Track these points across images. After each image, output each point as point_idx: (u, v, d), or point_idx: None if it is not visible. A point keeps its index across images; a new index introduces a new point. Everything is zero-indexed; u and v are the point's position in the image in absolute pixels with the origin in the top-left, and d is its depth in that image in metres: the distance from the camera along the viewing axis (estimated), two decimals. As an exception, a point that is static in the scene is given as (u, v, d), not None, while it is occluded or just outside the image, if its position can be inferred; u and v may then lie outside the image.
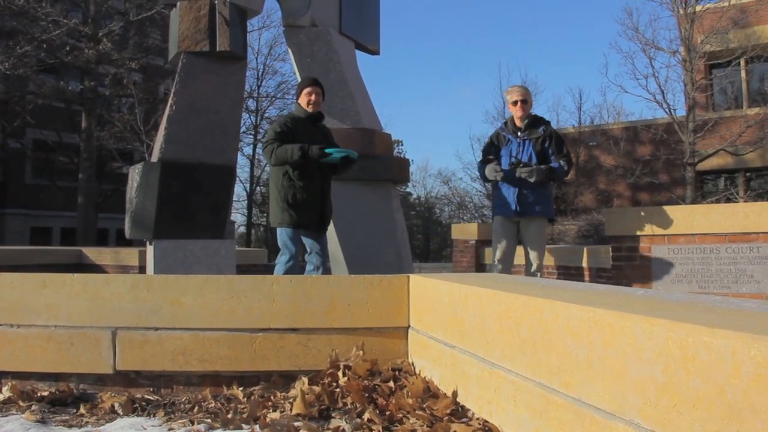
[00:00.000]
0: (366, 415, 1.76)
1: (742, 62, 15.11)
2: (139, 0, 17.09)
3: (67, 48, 16.60)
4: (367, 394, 1.93)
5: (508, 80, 23.77)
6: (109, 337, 2.20)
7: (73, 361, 2.21)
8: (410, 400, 1.82)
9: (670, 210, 4.80)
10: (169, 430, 1.82)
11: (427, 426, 1.65)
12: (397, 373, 2.10)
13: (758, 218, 4.34)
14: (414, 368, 2.14)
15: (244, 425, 1.80)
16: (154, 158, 4.91)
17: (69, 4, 17.66)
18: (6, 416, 1.92)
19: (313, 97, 4.20)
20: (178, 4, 5.05)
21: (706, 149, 14.92)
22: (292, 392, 2.05)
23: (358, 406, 1.87)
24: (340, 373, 2.06)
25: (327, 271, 4.37)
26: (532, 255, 4.62)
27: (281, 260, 4.15)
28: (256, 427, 1.76)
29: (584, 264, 5.83)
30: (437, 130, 62.84)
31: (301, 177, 4.07)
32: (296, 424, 1.74)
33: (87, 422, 1.91)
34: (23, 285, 2.25)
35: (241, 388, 2.14)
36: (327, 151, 4.03)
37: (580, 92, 36.71)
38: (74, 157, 18.69)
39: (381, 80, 58.02)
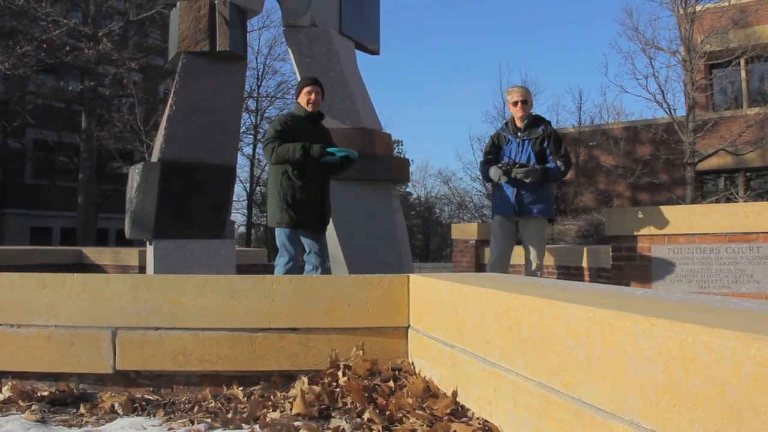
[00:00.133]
0: (366, 415, 1.76)
1: (742, 62, 15.11)
2: (139, 0, 17.09)
3: (67, 48, 16.60)
4: (367, 394, 1.93)
5: (509, 80, 23.80)
6: (109, 337, 2.20)
7: (73, 361, 2.21)
8: (410, 400, 1.82)
9: (670, 210, 4.80)
10: (169, 429, 1.82)
11: (427, 426, 1.65)
12: (397, 372, 2.10)
13: (758, 218, 4.34)
14: (414, 368, 2.14)
15: (244, 425, 1.80)
16: (154, 158, 4.91)
17: (69, 4, 17.66)
18: (6, 416, 1.92)
19: (312, 97, 4.19)
20: (178, 4, 5.04)
21: (706, 149, 14.92)
22: (292, 392, 2.05)
23: (358, 405, 1.87)
24: (340, 373, 2.06)
25: (326, 271, 4.36)
26: (532, 255, 4.62)
27: (280, 262, 4.12)
28: (256, 426, 1.76)
29: (584, 264, 5.83)
30: (437, 130, 62.92)
31: (300, 177, 4.05)
32: (296, 423, 1.74)
33: (87, 422, 1.91)
34: (23, 285, 2.25)
35: (241, 388, 2.14)
36: (328, 150, 4.02)
37: (580, 92, 36.80)
38: (74, 157, 18.69)
39: (381, 80, 58.08)
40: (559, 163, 4.52)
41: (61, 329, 2.21)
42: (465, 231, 8.10)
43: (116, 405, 2.03)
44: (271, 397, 2.05)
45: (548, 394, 1.33)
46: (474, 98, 61.17)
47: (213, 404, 2.05)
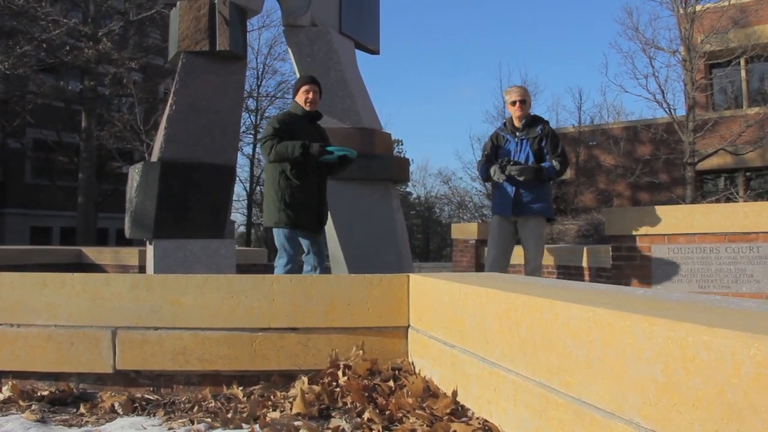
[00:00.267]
0: (366, 415, 1.76)
1: (742, 62, 15.10)
2: (139, 0, 17.09)
3: (67, 48, 16.60)
4: (366, 394, 1.93)
5: (509, 80, 23.80)
6: (109, 337, 2.20)
7: (73, 361, 2.21)
8: (410, 400, 1.82)
9: (670, 210, 4.80)
10: (169, 429, 1.82)
11: (426, 425, 1.65)
12: (396, 372, 2.10)
13: (758, 218, 4.34)
14: (414, 368, 2.14)
15: (244, 425, 1.80)
16: (154, 158, 4.90)
17: (69, 4, 17.67)
18: (6, 416, 1.92)
19: (310, 96, 4.16)
20: (178, 3, 5.04)
21: (706, 149, 14.92)
22: (292, 391, 2.05)
23: (357, 405, 1.87)
24: (339, 373, 2.06)
25: (325, 271, 4.35)
26: (531, 254, 4.62)
27: (279, 263, 4.09)
28: (256, 426, 1.76)
29: (584, 264, 5.83)
30: (437, 130, 62.92)
31: (298, 176, 4.02)
32: (296, 423, 1.74)
33: (87, 422, 1.91)
34: (23, 285, 2.25)
35: (241, 388, 2.14)
36: (328, 149, 4.00)
37: (580, 92, 36.82)
38: (74, 157, 18.69)
39: (381, 80, 58.09)
40: (554, 162, 4.53)
41: (61, 329, 2.21)
42: (465, 231, 8.11)
43: (116, 405, 2.03)
44: (271, 396, 2.05)
45: (548, 393, 1.33)
46: (474, 98, 61.21)
47: (213, 404, 2.05)
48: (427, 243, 33.83)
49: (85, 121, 17.43)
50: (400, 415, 1.75)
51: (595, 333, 1.18)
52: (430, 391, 1.90)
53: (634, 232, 4.72)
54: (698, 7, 14.44)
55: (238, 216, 27.36)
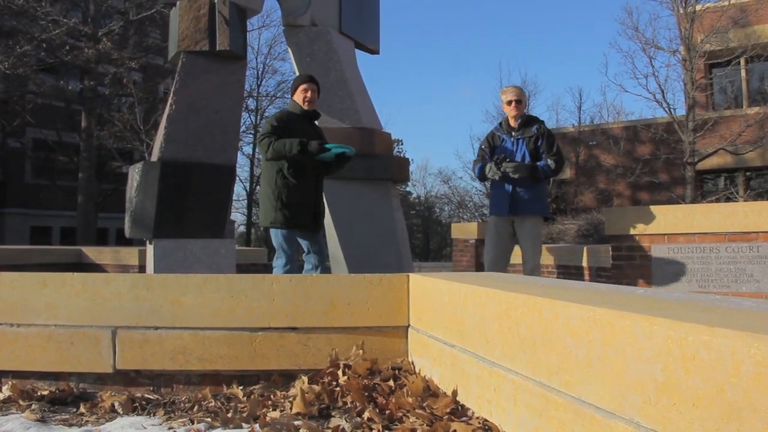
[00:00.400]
0: (366, 414, 1.76)
1: (742, 61, 15.10)
2: (139, 0, 17.09)
3: (67, 47, 16.59)
4: (366, 393, 1.93)
5: (509, 80, 23.77)
6: (109, 337, 2.20)
7: (73, 361, 2.21)
8: (410, 399, 1.82)
9: (670, 209, 4.80)
10: (169, 429, 1.82)
11: (426, 425, 1.65)
12: (396, 372, 2.10)
13: (758, 217, 4.34)
14: (414, 367, 2.14)
15: (244, 424, 1.80)
16: (154, 157, 4.90)
17: (69, 4, 17.66)
18: (6, 415, 1.92)
19: (309, 95, 4.14)
20: (178, 3, 5.04)
21: (705, 148, 14.92)
22: (292, 391, 2.05)
23: (357, 405, 1.87)
24: (339, 372, 2.06)
25: (325, 270, 4.34)
26: (528, 253, 4.62)
27: (278, 264, 4.07)
28: (256, 426, 1.76)
29: (584, 263, 5.83)
30: (437, 130, 62.90)
31: (295, 175, 4.00)
32: (296, 423, 1.74)
33: (87, 421, 1.91)
34: (23, 284, 2.25)
35: (241, 387, 2.14)
36: (326, 146, 3.99)
37: (579, 92, 36.63)
38: (74, 157, 18.68)
39: (381, 80, 58.06)
40: (549, 161, 4.54)
41: (61, 329, 2.21)
42: (465, 230, 8.10)
43: (116, 404, 2.03)
44: (271, 396, 2.05)
45: (548, 393, 1.33)
46: (474, 98, 61.21)
47: (213, 403, 2.05)
48: (427, 243, 33.83)
49: (85, 121, 17.42)
50: (400, 414, 1.75)
51: (595, 332, 1.18)
52: (430, 391, 1.90)
53: (634, 232, 4.72)
54: (698, 7, 14.44)
55: (238, 216, 27.39)
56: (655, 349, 1.03)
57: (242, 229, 27.97)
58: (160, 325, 2.20)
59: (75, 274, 2.28)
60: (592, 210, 11.73)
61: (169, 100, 5.00)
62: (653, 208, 4.81)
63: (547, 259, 6.29)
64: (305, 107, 4.16)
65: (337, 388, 1.99)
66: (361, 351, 2.14)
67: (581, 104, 21.33)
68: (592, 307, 1.21)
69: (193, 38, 4.96)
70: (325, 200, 5.18)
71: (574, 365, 1.24)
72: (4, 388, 2.12)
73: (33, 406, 1.99)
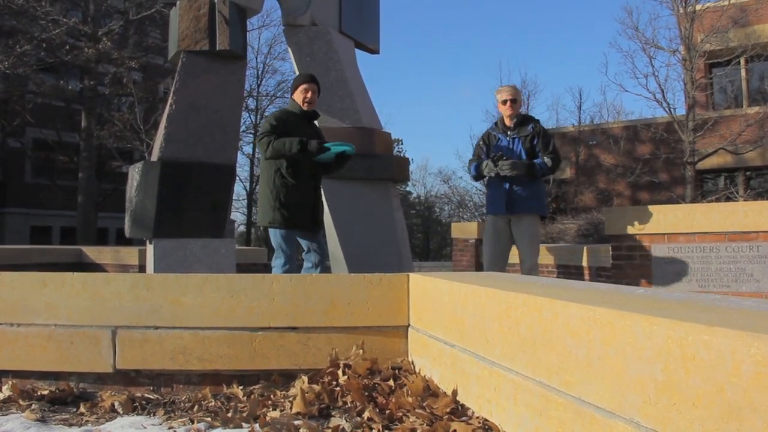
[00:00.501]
0: (366, 414, 1.76)
1: (742, 61, 15.10)
2: (139, -1, 17.10)
3: (67, 47, 16.58)
4: (366, 393, 1.93)
5: (509, 79, 23.76)
6: (109, 336, 2.20)
7: (73, 360, 2.21)
8: (410, 399, 1.82)
9: (670, 209, 4.80)
10: (169, 428, 1.82)
11: (426, 425, 1.65)
12: (396, 371, 2.10)
13: (758, 217, 4.34)
14: (414, 367, 2.14)
15: (244, 424, 1.80)
16: (154, 157, 4.90)
17: (68, 3, 17.66)
18: (6, 415, 1.92)
19: (309, 95, 4.12)
20: (178, 3, 5.04)
21: (705, 148, 14.92)
22: (292, 391, 2.05)
23: (358, 404, 1.87)
24: (339, 372, 2.06)
25: (325, 269, 4.34)
26: (526, 253, 4.62)
27: (277, 263, 4.06)
28: (256, 425, 1.76)
29: (584, 263, 5.83)
30: (437, 130, 62.88)
31: (294, 175, 4.00)
32: (296, 422, 1.74)
33: (87, 421, 1.91)
34: (23, 284, 2.25)
35: (240, 387, 2.14)
36: (326, 145, 3.98)
37: (580, 91, 36.69)
38: (74, 156, 18.68)
39: (381, 79, 58.04)
40: (546, 159, 4.55)
41: (61, 328, 2.21)
42: (465, 230, 8.11)
43: (116, 404, 2.03)
44: (271, 396, 2.05)
45: (548, 393, 1.33)
46: (474, 98, 61.23)
47: (213, 403, 2.05)
48: (427, 242, 33.83)
49: (85, 121, 17.42)
50: (400, 414, 1.75)
51: (595, 332, 1.18)
52: (430, 391, 1.90)
53: (634, 232, 4.72)
54: (698, 7, 14.44)
55: (238, 215, 27.39)
56: (655, 348, 1.03)
57: (242, 228, 27.99)
58: (160, 325, 2.20)
59: (75, 273, 2.28)
60: (592, 210, 11.74)
61: (169, 100, 5.00)
62: (653, 208, 4.81)
63: (547, 258, 6.29)
64: (304, 107, 4.14)
65: (337, 388, 1.99)
66: (361, 351, 2.14)
67: (581, 104, 21.34)
68: (592, 306, 1.21)
69: (193, 38, 4.96)
70: (324, 200, 5.19)
71: (574, 365, 1.24)
72: (4, 387, 2.12)
73: (33, 406, 1.99)
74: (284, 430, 1.68)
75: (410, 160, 7.33)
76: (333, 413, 1.85)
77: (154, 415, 1.98)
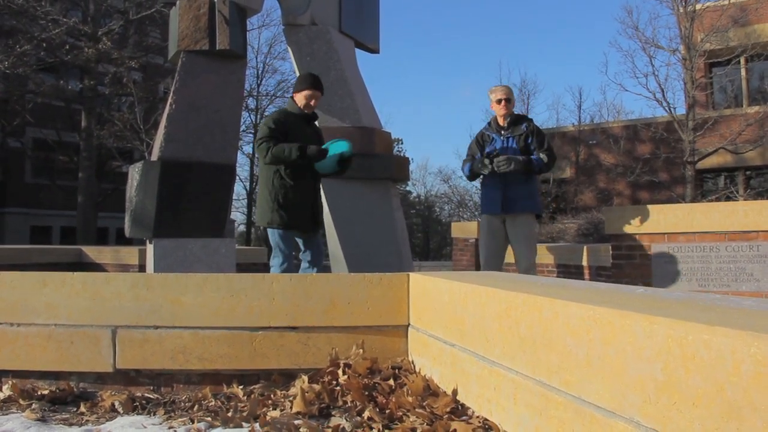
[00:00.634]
0: (366, 413, 1.76)
1: (742, 60, 15.09)
2: (139, -1, 17.09)
3: (67, 47, 16.57)
4: (367, 393, 1.93)
5: (508, 79, 23.82)
6: (109, 336, 2.20)
7: (73, 360, 2.21)
8: (410, 399, 1.82)
9: (670, 208, 4.80)
10: (169, 428, 1.82)
11: (427, 424, 1.65)
12: (397, 371, 2.10)
13: (758, 217, 4.34)
14: (414, 366, 2.14)
15: (244, 423, 1.80)
16: (154, 157, 4.90)
17: (68, 3, 17.65)
18: (6, 415, 1.92)
19: (312, 102, 4.11)
20: (178, 2, 5.04)
21: (705, 148, 14.91)
22: (292, 390, 2.05)
23: (358, 404, 1.87)
24: (340, 372, 2.06)
25: (324, 269, 4.33)
26: (522, 252, 4.61)
27: (275, 262, 4.06)
28: (256, 425, 1.76)
29: (584, 262, 5.83)
30: (437, 130, 62.81)
31: (293, 176, 3.99)
32: (296, 422, 1.74)
33: (87, 420, 1.91)
34: (23, 284, 2.25)
35: (241, 387, 2.14)
36: (324, 147, 3.97)
37: (580, 91, 36.68)
38: (74, 156, 18.68)
39: (381, 79, 58.01)
40: (542, 155, 4.55)
41: (61, 328, 2.21)
42: (465, 229, 8.11)
43: (116, 404, 2.03)
44: (271, 395, 2.05)
45: (548, 392, 1.33)
46: (474, 98, 61.21)
47: (213, 403, 2.05)
48: (427, 242, 33.83)
49: (84, 121, 17.42)
50: (400, 413, 1.76)
51: (595, 332, 1.18)
52: (430, 390, 1.91)
53: (633, 231, 4.72)
54: (698, 6, 14.43)
55: (238, 215, 27.39)
56: (655, 348, 1.03)
57: (242, 228, 27.99)
58: (160, 325, 2.20)
59: (75, 273, 2.28)
60: (592, 209, 11.73)
61: (169, 100, 5.01)
62: (653, 207, 4.81)
63: (547, 258, 6.29)
64: (305, 110, 4.14)
65: (338, 388, 1.99)
66: (361, 350, 2.14)
67: (581, 103, 21.26)
68: (592, 306, 1.21)
69: (193, 37, 4.96)
70: (324, 199, 5.19)
71: (574, 364, 1.24)
72: (5, 387, 2.12)
73: (33, 406, 1.99)
74: (284, 430, 1.68)
75: (410, 159, 7.34)
76: (333, 413, 1.85)
77: (154, 414, 1.98)
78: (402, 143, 36.39)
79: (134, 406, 2.04)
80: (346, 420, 1.76)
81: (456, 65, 65.28)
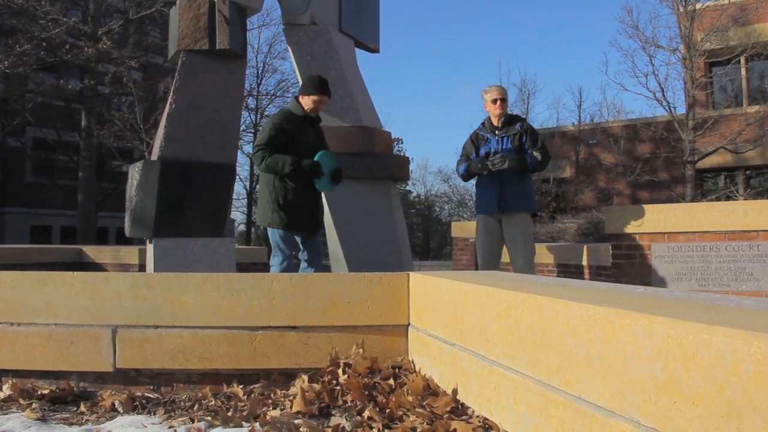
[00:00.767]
0: (366, 413, 1.76)
1: (742, 60, 15.09)
2: (139, -2, 17.09)
3: (67, 46, 16.57)
4: (367, 392, 1.93)
5: (508, 79, 23.84)
6: (109, 336, 2.20)
7: (73, 360, 2.21)
8: (410, 398, 1.82)
9: (670, 208, 4.80)
10: (170, 428, 1.82)
11: (427, 424, 1.65)
12: (397, 370, 2.10)
13: (758, 216, 4.34)
14: (414, 366, 2.14)
15: (244, 423, 1.80)
16: (154, 156, 4.90)
17: (68, 3, 17.64)
18: (6, 414, 1.92)
19: (319, 107, 4.14)
20: (178, 2, 5.04)
21: (706, 147, 14.91)
22: (292, 390, 2.05)
23: (358, 403, 1.87)
24: (340, 371, 2.06)
25: (323, 269, 4.34)
26: (519, 251, 4.61)
27: (275, 262, 4.07)
28: (256, 424, 1.76)
29: (584, 262, 5.83)
30: (437, 129, 62.77)
31: (293, 178, 3.99)
32: (296, 421, 1.74)
33: (87, 420, 1.91)
34: (23, 284, 2.25)
35: (241, 386, 2.14)
36: (316, 159, 3.99)
37: (580, 90, 36.76)
38: (74, 156, 18.68)
39: (381, 79, 57.98)
40: (536, 153, 4.57)
41: (61, 328, 2.21)
42: (465, 229, 8.10)
43: (116, 403, 2.03)
44: (271, 395, 2.05)
45: (548, 392, 1.33)
46: (474, 98, 61.11)
47: (213, 402, 2.05)
48: (427, 241, 33.82)
49: (85, 120, 17.42)
50: (401, 413, 1.76)
51: (595, 331, 1.18)
52: (430, 390, 1.91)
53: (633, 231, 4.72)
54: (698, 5, 14.43)
55: (238, 214, 27.39)
56: (655, 347, 1.03)
57: (242, 228, 27.99)
58: (160, 324, 2.20)
59: (75, 273, 2.28)
60: (592, 209, 11.73)
61: (169, 99, 5.00)
62: (653, 207, 4.81)
63: (547, 257, 6.29)
64: (310, 114, 4.14)
65: (338, 387, 1.99)
66: (361, 350, 2.14)
67: (581, 103, 21.31)
68: (592, 305, 1.21)
69: (193, 37, 4.96)
70: (324, 200, 5.18)
71: (574, 364, 1.24)
72: (5, 387, 2.12)
73: (33, 405, 1.99)
74: (284, 429, 1.68)
75: (410, 159, 7.34)
76: (333, 412, 1.85)
77: (154, 414, 1.98)
78: (402, 143, 36.36)
79: (134, 406, 2.04)
80: (346, 419, 1.76)
81: (456, 65, 65.27)
